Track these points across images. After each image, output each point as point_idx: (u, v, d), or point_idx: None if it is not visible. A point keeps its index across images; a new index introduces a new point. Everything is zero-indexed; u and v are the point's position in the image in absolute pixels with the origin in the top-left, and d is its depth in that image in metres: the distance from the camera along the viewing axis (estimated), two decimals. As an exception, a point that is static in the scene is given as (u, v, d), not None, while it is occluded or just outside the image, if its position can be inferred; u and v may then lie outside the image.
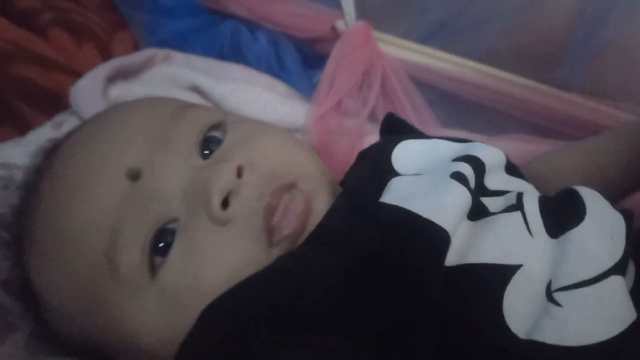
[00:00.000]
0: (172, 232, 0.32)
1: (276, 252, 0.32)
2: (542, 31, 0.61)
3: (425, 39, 0.62)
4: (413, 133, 0.42)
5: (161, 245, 0.31)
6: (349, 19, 0.61)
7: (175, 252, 0.31)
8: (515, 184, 0.36)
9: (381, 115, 0.57)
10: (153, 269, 0.31)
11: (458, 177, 0.32)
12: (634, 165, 0.41)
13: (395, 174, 0.35)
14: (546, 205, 0.32)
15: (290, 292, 0.28)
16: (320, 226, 0.32)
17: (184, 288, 0.30)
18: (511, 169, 0.38)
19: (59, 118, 0.46)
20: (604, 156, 0.42)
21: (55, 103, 0.50)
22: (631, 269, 0.30)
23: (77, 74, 0.55)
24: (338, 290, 0.28)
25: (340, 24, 0.61)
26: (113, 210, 0.31)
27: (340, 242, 0.30)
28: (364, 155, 0.39)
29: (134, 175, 0.32)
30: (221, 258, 0.31)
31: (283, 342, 0.26)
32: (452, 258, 0.29)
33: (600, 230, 0.30)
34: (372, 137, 0.54)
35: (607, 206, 0.33)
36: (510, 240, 0.30)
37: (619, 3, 0.57)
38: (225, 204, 0.31)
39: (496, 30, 0.61)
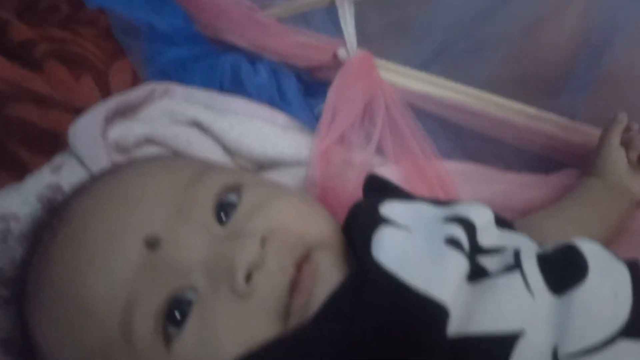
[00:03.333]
0: (189, 303, 0.31)
1: (289, 325, 0.31)
2: (544, 58, 0.61)
3: (425, 66, 0.62)
4: (396, 192, 0.42)
5: (177, 314, 0.31)
6: (350, 46, 0.61)
7: (191, 323, 0.31)
8: (509, 239, 0.36)
9: (385, 149, 0.56)
10: (167, 340, 0.31)
11: (452, 242, 0.31)
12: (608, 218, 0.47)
13: (385, 221, 0.34)
14: (545, 262, 0.32)
15: None
16: (327, 303, 0.31)
17: (200, 358, 0.30)
18: (501, 222, 0.37)
19: (57, 160, 0.45)
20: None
21: (53, 143, 0.49)
22: None
23: (76, 110, 0.53)
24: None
25: (342, 52, 0.60)
26: (129, 281, 0.31)
27: (341, 322, 0.30)
28: (354, 212, 0.38)
29: (153, 244, 0.32)
30: (240, 333, 0.30)
31: None
32: (454, 327, 0.29)
33: (603, 287, 0.30)
34: (378, 170, 0.53)
35: (609, 259, 0.33)
36: (511, 305, 0.30)
37: (622, 30, 0.57)
38: (248, 277, 0.31)
39: (497, 56, 0.61)
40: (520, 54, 0.61)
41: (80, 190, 0.37)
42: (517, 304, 0.30)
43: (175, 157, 0.44)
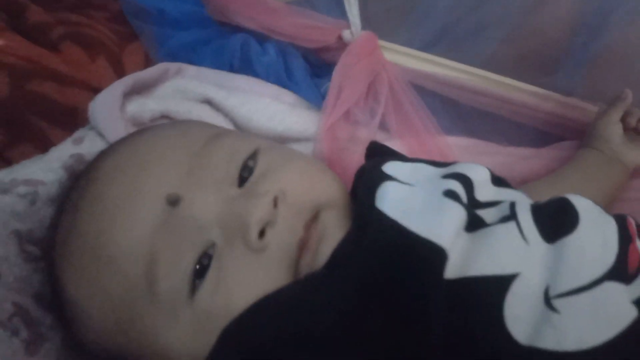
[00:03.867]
0: (209, 257, 0.34)
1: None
2: (542, 36, 0.62)
3: (427, 47, 0.64)
4: (397, 156, 0.44)
5: (198, 268, 0.33)
6: (354, 29, 0.62)
7: (210, 276, 0.33)
8: (505, 194, 0.38)
9: (389, 125, 0.59)
10: (192, 291, 0.33)
11: (451, 194, 0.34)
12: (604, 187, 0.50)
13: (388, 177, 0.37)
14: (539, 213, 0.34)
15: (301, 318, 0.30)
16: (334, 252, 0.34)
17: (217, 310, 0.32)
18: (497, 181, 0.40)
19: (79, 134, 0.47)
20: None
21: (72, 118, 0.51)
22: None
23: (92, 88, 0.56)
24: (347, 314, 0.30)
25: (346, 34, 0.62)
26: (152, 234, 0.33)
27: (347, 267, 0.32)
28: (360, 173, 0.41)
29: (174, 201, 0.34)
30: (252, 284, 0.33)
31: None
32: (453, 271, 0.31)
33: (594, 236, 0.32)
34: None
35: (599, 212, 0.35)
36: (507, 250, 0.32)
37: (618, 8, 0.59)
38: (261, 233, 0.33)
39: (497, 36, 0.63)
40: (520, 34, 0.63)
41: (106, 152, 0.39)
42: (512, 250, 0.32)
43: (194, 121, 0.46)
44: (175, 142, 0.37)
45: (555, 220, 0.33)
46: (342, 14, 0.63)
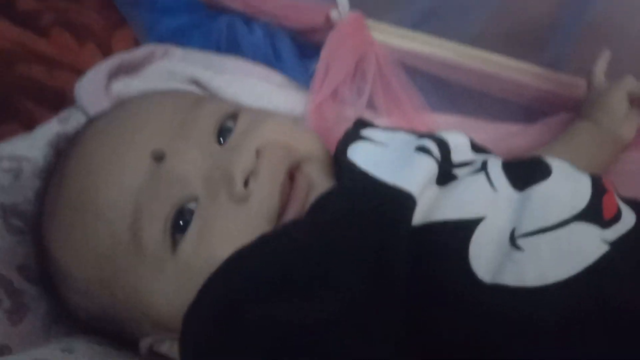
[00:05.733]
0: (191, 212, 0.34)
1: None
2: (530, 12, 0.62)
3: (415, 26, 0.64)
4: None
5: (181, 223, 0.34)
6: (342, 8, 0.63)
7: (192, 229, 0.33)
8: (482, 157, 0.38)
9: (377, 103, 0.59)
10: (174, 244, 0.33)
11: (423, 149, 0.34)
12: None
13: (363, 138, 0.38)
14: (510, 166, 0.35)
15: (275, 262, 0.30)
16: (315, 201, 0.34)
17: (200, 262, 0.33)
18: (477, 148, 0.40)
19: (64, 113, 0.48)
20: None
21: (60, 100, 0.52)
22: (625, 222, 0.32)
23: (80, 72, 0.56)
24: (316, 256, 0.30)
25: (334, 14, 0.62)
26: (138, 188, 0.34)
27: (318, 212, 0.33)
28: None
29: (159, 157, 0.34)
30: (235, 234, 0.33)
31: (265, 311, 0.28)
32: (419, 218, 0.31)
33: (564, 184, 0.32)
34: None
35: (573, 169, 0.35)
36: (473, 196, 0.32)
37: (604, -17, 0.59)
38: (245, 184, 0.34)
39: (484, 13, 0.63)
40: (507, 10, 0.63)
41: (91, 120, 0.40)
42: (479, 195, 0.32)
43: (179, 89, 0.47)
44: (161, 102, 0.38)
45: (526, 172, 0.34)
46: (330, -6, 0.63)
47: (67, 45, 0.59)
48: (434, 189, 0.33)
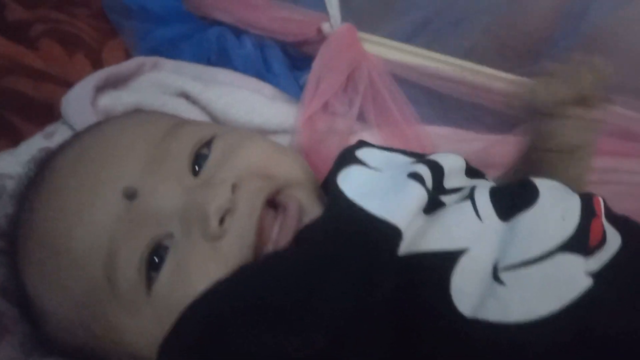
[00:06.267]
0: (166, 249, 0.33)
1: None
2: (524, 26, 0.62)
3: (409, 39, 0.63)
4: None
5: (156, 259, 0.33)
6: (334, 21, 0.62)
7: (167, 266, 0.33)
8: (474, 182, 0.38)
9: (368, 115, 0.58)
10: (149, 282, 0.33)
11: (414, 176, 0.33)
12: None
13: (357, 161, 0.37)
14: (497, 193, 0.34)
15: (257, 291, 0.30)
16: (300, 230, 0.33)
17: (176, 300, 0.31)
18: (472, 172, 0.39)
19: (50, 128, 0.47)
20: None
21: (47, 114, 0.51)
22: (609, 247, 0.31)
23: (69, 84, 0.56)
24: (299, 286, 0.29)
25: (325, 27, 0.62)
26: (110, 230, 0.33)
27: (302, 243, 0.32)
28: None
29: (130, 195, 0.33)
30: (210, 272, 0.32)
31: (247, 338, 0.28)
32: (403, 248, 0.30)
33: (551, 211, 0.31)
34: (360, 135, 0.55)
35: (563, 190, 0.34)
36: (458, 226, 0.32)
37: (599, -4, 0.58)
38: (220, 221, 0.33)
39: (478, 26, 0.62)
40: (501, 24, 0.62)
41: (61, 148, 0.38)
42: (463, 226, 0.31)
43: (152, 112, 0.46)
44: (133, 133, 0.37)
45: (513, 199, 0.33)
46: (322, 6, 0.62)
47: (56, 56, 0.59)
48: (421, 217, 0.33)
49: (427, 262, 0.30)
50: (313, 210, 0.35)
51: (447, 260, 0.30)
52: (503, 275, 0.29)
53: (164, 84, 0.55)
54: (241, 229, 0.33)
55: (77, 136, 0.39)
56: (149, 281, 0.33)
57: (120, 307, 0.33)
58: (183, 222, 0.33)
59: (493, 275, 0.29)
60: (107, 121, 0.41)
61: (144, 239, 0.33)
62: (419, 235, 0.31)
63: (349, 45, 0.62)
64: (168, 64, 0.57)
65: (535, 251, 0.29)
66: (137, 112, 0.48)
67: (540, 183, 0.34)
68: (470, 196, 0.33)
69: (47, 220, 0.34)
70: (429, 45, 0.63)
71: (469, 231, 0.31)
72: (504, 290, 0.28)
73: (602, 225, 0.32)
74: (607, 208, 0.34)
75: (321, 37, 0.62)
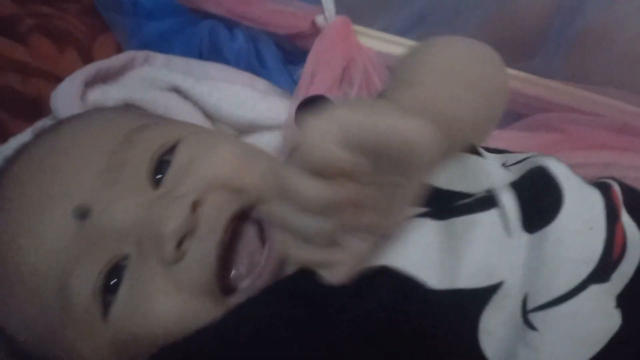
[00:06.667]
0: (124, 268, 0.31)
1: (235, 300, 0.31)
2: (520, 20, 0.62)
3: (404, 32, 0.63)
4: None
5: (113, 282, 0.31)
6: (328, 14, 0.61)
7: (122, 292, 0.31)
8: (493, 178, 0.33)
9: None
10: (105, 308, 0.31)
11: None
12: None
13: None
14: (524, 194, 0.30)
15: (233, 348, 0.27)
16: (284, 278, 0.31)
17: (133, 325, 0.30)
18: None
19: (39, 124, 0.47)
20: None
21: (36, 110, 0.51)
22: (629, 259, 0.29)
23: (59, 80, 0.55)
24: (280, 341, 0.27)
25: (320, 19, 0.61)
26: (62, 251, 0.31)
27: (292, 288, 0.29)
28: None
29: (82, 214, 0.31)
30: (167, 296, 0.30)
31: None
32: (437, 283, 0.27)
33: (579, 220, 0.28)
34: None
35: (581, 184, 0.31)
36: (491, 253, 0.28)
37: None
38: (179, 244, 0.30)
39: (475, 20, 0.62)
40: (496, 19, 0.62)
41: (16, 156, 0.36)
42: (495, 252, 0.28)
43: (113, 111, 0.43)
44: (88, 140, 0.34)
45: (537, 202, 0.29)
46: (316, -1, 0.62)
47: (46, 52, 0.58)
48: (437, 228, 0.29)
49: (462, 298, 0.27)
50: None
51: (480, 297, 0.27)
52: (533, 317, 0.27)
53: (154, 79, 0.54)
54: (201, 252, 0.30)
55: (36, 138, 0.37)
56: (105, 305, 0.31)
57: (77, 330, 0.31)
58: (138, 242, 0.31)
59: (522, 315, 0.27)
60: (67, 121, 0.39)
61: (98, 261, 0.31)
62: (448, 263, 0.28)
63: (343, 39, 0.61)
64: (159, 58, 0.57)
65: (566, 284, 0.27)
66: (96, 112, 0.45)
67: (559, 172, 0.30)
68: (496, 202, 0.29)
69: None
70: (424, 39, 0.62)
71: (500, 257, 0.28)
72: (536, 336, 0.26)
73: (624, 231, 0.29)
74: (623, 193, 0.31)
75: (315, 30, 0.61)
